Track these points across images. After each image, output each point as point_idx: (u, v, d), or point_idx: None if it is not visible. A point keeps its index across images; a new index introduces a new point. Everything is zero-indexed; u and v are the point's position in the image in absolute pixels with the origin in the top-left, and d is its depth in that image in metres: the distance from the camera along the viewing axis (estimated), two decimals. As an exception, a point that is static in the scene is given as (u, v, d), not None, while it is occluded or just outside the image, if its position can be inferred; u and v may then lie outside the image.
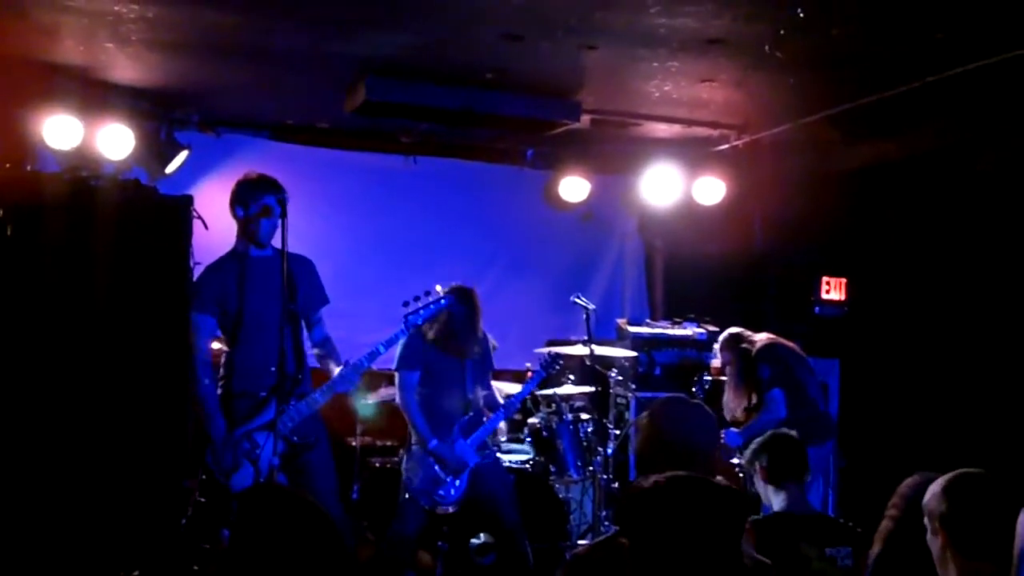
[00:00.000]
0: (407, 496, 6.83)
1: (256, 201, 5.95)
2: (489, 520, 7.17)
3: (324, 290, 6.35)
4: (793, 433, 5.33)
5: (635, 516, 2.87)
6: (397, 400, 6.98)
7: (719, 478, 3.28)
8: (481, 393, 7.12)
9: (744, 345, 7.81)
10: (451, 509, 6.82)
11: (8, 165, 5.96)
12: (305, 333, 6.27)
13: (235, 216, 6.05)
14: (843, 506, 8.54)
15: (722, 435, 7.50)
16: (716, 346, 8.08)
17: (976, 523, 3.45)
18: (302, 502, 2.96)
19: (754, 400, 7.74)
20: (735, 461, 7.56)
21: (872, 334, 9.27)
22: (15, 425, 4.79)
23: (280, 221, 5.71)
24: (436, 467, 6.79)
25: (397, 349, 6.83)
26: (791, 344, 7.88)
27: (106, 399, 4.92)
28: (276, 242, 5.81)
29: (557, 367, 7.41)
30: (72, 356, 4.87)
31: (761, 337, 7.85)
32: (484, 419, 7.02)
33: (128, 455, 4.96)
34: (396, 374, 6.95)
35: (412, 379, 6.93)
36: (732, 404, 7.89)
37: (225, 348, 6.16)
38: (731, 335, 7.95)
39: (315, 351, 6.30)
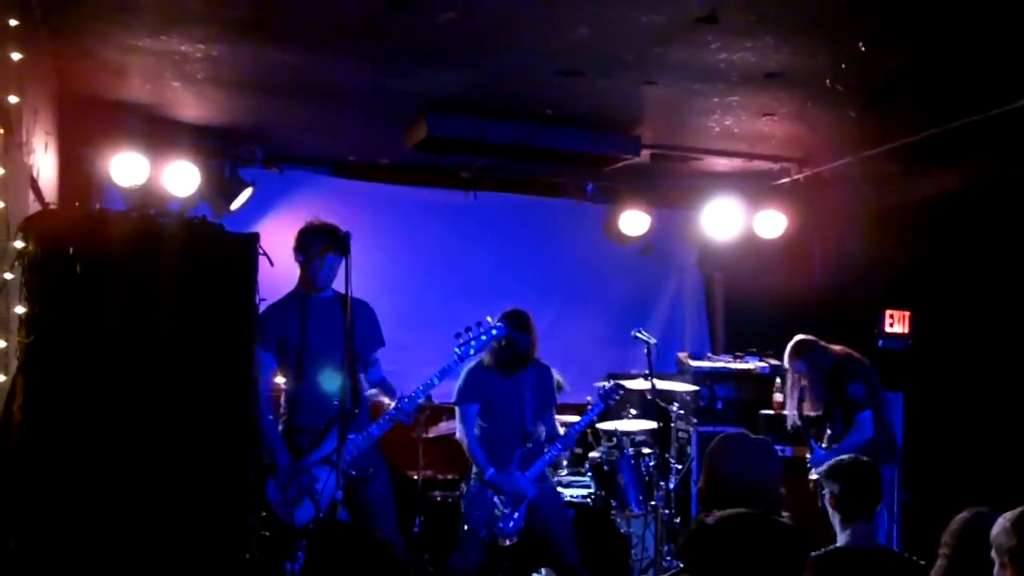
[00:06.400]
0: (466, 528, 6.85)
1: (316, 250, 6.10)
2: (549, 554, 7.16)
3: (381, 333, 6.47)
4: (872, 462, 5.20)
5: (700, 552, 2.88)
6: (457, 434, 7.02)
7: (785, 514, 3.28)
8: (541, 427, 7.12)
9: (828, 355, 7.53)
10: (509, 541, 6.82)
11: (76, 203, 6.06)
12: (361, 374, 6.36)
13: (297, 260, 6.23)
14: (908, 540, 8.42)
15: (808, 456, 7.40)
16: (786, 353, 7.69)
17: None
18: (371, 538, 2.98)
19: (822, 412, 7.55)
20: (812, 477, 7.27)
21: (937, 367, 9.16)
22: (81, 457, 4.85)
23: (340, 263, 5.83)
24: (495, 499, 6.81)
25: (456, 383, 6.88)
26: (867, 360, 7.70)
27: (173, 433, 4.97)
28: (336, 285, 5.93)
29: (616, 397, 7.38)
30: (141, 392, 4.93)
31: (838, 349, 7.62)
32: (543, 451, 7.03)
33: (192, 489, 4.99)
34: (456, 408, 6.99)
35: (471, 412, 6.97)
36: (806, 412, 7.56)
37: (285, 385, 6.27)
38: (807, 342, 7.60)
39: (372, 391, 6.40)
